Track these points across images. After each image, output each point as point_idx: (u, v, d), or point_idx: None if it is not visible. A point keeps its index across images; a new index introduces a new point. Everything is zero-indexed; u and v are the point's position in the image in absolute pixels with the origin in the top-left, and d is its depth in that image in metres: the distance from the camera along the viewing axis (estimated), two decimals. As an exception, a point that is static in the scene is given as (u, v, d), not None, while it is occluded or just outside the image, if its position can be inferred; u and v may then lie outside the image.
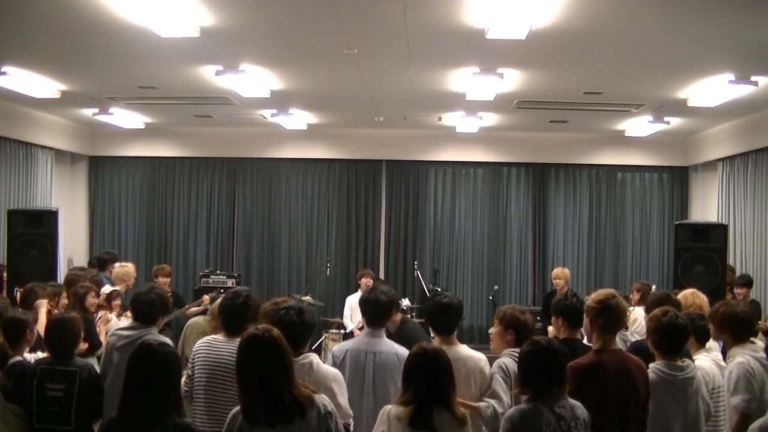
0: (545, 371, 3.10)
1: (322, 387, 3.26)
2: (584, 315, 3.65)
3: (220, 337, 3.79)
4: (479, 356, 3.82)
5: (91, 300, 5.37)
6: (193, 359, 3.72)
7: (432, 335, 4.11)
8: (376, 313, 3.97)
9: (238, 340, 3.56)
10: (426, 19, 5.12)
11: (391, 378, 3.71)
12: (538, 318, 7.44)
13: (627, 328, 4.59)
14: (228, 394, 3.56)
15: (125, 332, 4.19)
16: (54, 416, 3.81)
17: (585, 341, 3.95)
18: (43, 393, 3.82)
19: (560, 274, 8.37)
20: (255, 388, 2.80)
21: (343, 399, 3.43)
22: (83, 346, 4.65)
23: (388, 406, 3.09)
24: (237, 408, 2.88)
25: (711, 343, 4.40)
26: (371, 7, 4.93)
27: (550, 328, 7.41)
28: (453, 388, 3.08)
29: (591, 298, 3.64)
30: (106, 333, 5.23)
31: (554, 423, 3.02)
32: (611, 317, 3.50)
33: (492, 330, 4.09)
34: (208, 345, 3.76)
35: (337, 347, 4.04)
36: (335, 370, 3.51)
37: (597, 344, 3.52)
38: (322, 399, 2.92)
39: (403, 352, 3.66)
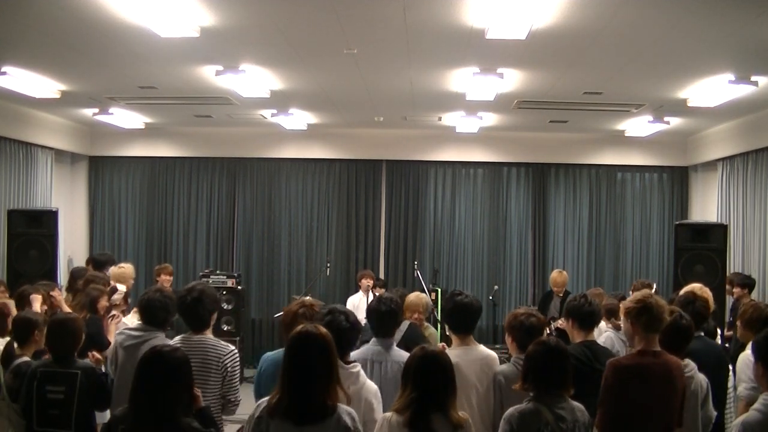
0: (548, 371, 3.11)
1: (362, 400, 3.26)
2: (623, 317, 3.63)
3: (187, 335, 3.97)
4: (494, 356, 3.83)
5: (103, 303, 5.40)
6: None
7: (448, 333, 4.09)
8: (379, 323, 3.98)
9: (204, 334, 3.87)
10: (426, 19, 5.11)
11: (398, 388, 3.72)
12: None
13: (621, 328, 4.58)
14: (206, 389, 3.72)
15: (133, 332, 4.21)
16: (54, 419, 3.79)
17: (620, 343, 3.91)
18: (44, 395, 3.79)
19: (558, 279, 8.35)
20: (294, 383, 2.81)
21: (380, 416, 3.36)
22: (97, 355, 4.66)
23: (388, 414, 3.06)
24: (264, 399, 2.91)
25: None
26: (371, 7, 4.92)
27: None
28: (453, 390, 3.03)
29: (629, 300, 3.63)
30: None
31: (553, 423, 3.02)
32: (653, 316, 3.45)
33: None
34: (183, 343, 3.88)
35: None
36: (376, 387, 3.48)
37: (639, 345, 3.48)
38: (347, 410, 2.89)
39: None
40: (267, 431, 2.83)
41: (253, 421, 2.88)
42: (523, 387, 3.18)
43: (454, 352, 3.75)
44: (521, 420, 3.04)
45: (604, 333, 4.99)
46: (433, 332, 5.36)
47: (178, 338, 4.00)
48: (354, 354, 3.96)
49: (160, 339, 4.06)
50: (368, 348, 3.96)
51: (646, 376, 3.37)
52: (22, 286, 5.44)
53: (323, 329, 2.96)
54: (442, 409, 2.95)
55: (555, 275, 8.48)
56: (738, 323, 4.59)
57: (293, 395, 2.81)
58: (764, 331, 3.27)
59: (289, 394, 2.81)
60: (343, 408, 2.88)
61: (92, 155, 10.89)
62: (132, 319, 5.57)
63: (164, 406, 2.88)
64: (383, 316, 3.97)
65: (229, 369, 3.86)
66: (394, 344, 4.00)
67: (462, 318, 3.89)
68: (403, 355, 3.85)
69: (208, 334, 4.00)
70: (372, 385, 3.45)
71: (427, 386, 2.98)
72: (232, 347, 3.97)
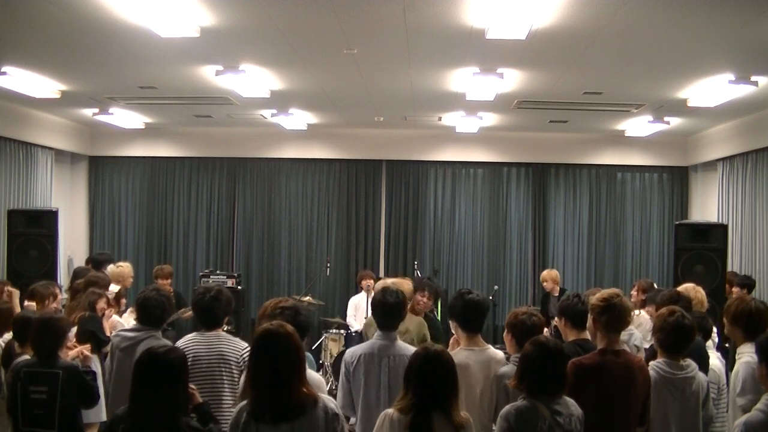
0: (544, 371, 3.10)
1: None
2: (588, 314, 3.65)
3: (199, 333, 4.03)
4: (501, 357, 3.83)
5: (101, 305, 5.44)
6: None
7: (453, 331, 4.07)
8: (385, 316, 3.94)
9: (215, 332, 3.94)
10: (426, 19, 5.11)
11: None
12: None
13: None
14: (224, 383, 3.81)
15: (129, 333, 4.20)
16: (39, 419, 3.77)
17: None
18: (27, 396, 3.77)
19: (547, 276, 8.41)
20: (265, 383, 2.81)
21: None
22: (85, 350, 4.66)
23: (389, 410, 3.04)
24: (244, 402, 2.89)
25: (707, 342, 4.41)
26: (371, 7, 4.92)
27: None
28: (455, 391, 3.01)
29: (595, 297, 3.64)
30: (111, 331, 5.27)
31: (550, 418, 3.02)
32: (615, 316, 3.49)
33: None
34: (192, 341, 3.95)
35: (350, 352, 3.99)
36: (319, 377, 3.45)
37: (601, 344, 3.53)
38: (329, 400, 2.93)
39: None
40: None
41: (240, 427, 2.83)
42: (519, 386, 3.17)
43: (464, 353, 3.76)
44: (519, 417, 3.04)
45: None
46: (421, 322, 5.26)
47: (192, 334, 4.02)
48: (359, 348, 3.96)
49: (156, 338, 4.05)
50: (374, 342, 3.92)
51: (607, 375, 3.38)
52: (30, 285, 5.48)
53: (288, 326, 2.94)
54: (443, 409, 2.95)
55: (544, 275, 8.56)
56: (724, 320, 4.59)
57: (272, 396, 2.79)
58: (767, 332, 3.28)
59: (271, 395, 2.79)
60: (324, 397, 2.93)
61: (92, 155, 10.89)
62: (129, 319, 5.59)
63: (163, 407, 2.88)
64: (392, 308, 3.93)
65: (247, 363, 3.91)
66: (398, 338, 3.97)
67: (473, 316, 3.87)
68: (409, 348, 3.85)
69: (221, 332, 4.05)
70: (312, 375, 3.38)
71: (429, 387, 2.97)
72: (246, 344, 4.00)
